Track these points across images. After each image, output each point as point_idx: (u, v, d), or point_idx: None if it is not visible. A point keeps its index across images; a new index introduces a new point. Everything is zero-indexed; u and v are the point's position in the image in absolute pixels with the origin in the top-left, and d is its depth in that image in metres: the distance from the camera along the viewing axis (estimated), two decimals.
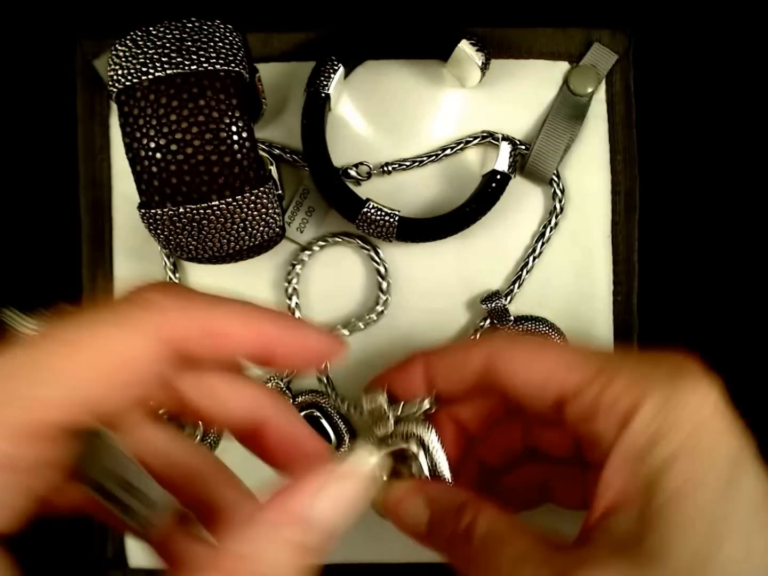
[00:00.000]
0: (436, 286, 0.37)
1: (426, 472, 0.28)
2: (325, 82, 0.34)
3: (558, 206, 0.36)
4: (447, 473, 0.28)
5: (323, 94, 0.34)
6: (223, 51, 0.28)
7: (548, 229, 0.37)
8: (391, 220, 0.34)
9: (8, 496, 0.17)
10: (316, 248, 0.37)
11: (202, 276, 0.37)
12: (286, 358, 0.23)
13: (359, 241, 0.37)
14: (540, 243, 0.37)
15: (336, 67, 0.34)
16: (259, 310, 0.22)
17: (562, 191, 0.37)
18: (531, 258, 0.36)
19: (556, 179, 0.36)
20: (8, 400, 0.18)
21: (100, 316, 0.20)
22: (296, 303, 0.36)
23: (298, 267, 0.36)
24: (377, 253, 0.36)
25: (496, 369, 0.27)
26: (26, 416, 0.18)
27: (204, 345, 0.21)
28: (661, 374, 0.24)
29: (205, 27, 0.28)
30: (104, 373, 0.19)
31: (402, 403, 0.29)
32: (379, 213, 0.34)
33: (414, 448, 0.28)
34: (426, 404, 0.29)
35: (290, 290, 0.36)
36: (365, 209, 0.34)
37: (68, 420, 0.18)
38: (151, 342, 0.20)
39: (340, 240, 0.37)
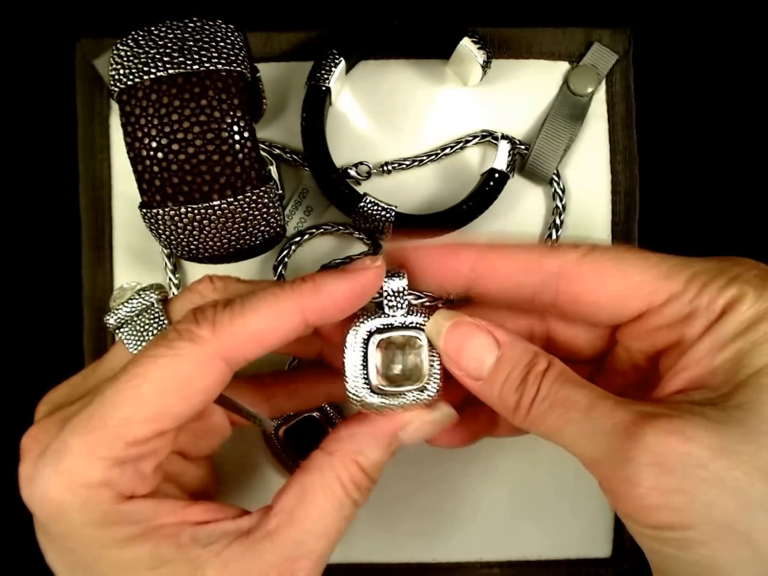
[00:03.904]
0: None
1: (425, 365, 0.28)
2: (326, 76, 0.34)
3: (560, 205, 0.37)
4: (439, 376, 0.28)
5: (324, 87, 0.34)
6: (225, 51, 0.28)
7: (555, 230, 0.37)
8: (387, 215, 0.34)
9: (140, 470, 0.26)
10: (306, 236, 0.37)
11: (202, 275, 0.37)
12: (322, 320, 0.27)
13: (351, 229, 0.37)
14: (549, 243, 0.37)
15: (337, 61, 0.34)
16: (281, 299, 0.26)
17: (563, 190, 0.37)
18: None
19: (556, 178, 0.36)
20: (113, 424, 0.25)
21: (160, 350, 0.25)
22: None
23: (285, 254, 0.36)
24: (373, 239, 0.36)
25: (561, 287, 0.27)
26: (122, 431, 0.25)
27: (247, 351, 0.26)
28: (750, 274, 0.25)
29: (207, 27, 0.28)
30: (168, 393, 0.25)
31: (424, 295, 0.28)
32: (375, 208, 0.34)
33: (422, 339, 0.28)
34: (440, 303, 0.28)
35: (276, 276, 0.36)
36: (362, 204, 0.34)
37: (154, 428, 0.25)
38: (198, 365, 0.25)
39: (330, 228, 0.37)
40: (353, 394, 0.27)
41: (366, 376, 0.27)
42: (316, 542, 0.26)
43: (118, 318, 0.30)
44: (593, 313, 0.27)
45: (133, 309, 0.30)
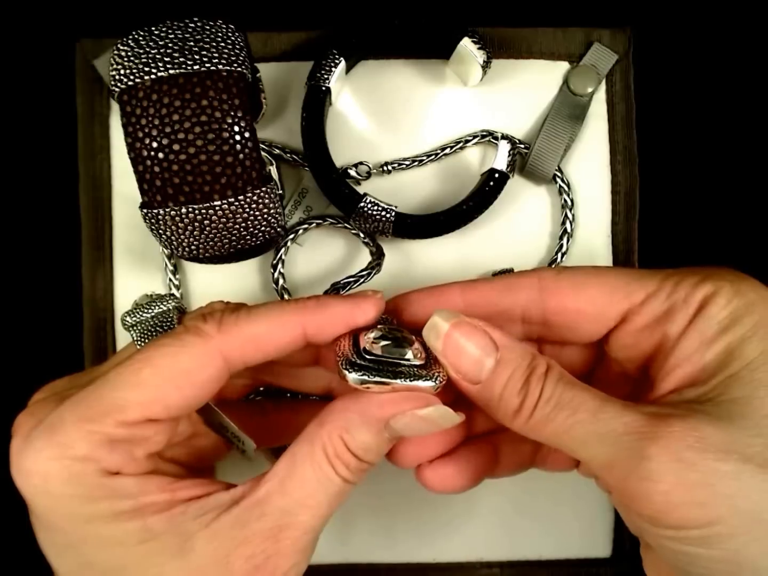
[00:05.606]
0: (434, 283, 0.37)
1: (420, 346, 0.27)
2: (326, 76, 0.34)
3: (568, 200, 0.36)
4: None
5: (324, 88, 0.34)
6: (226, 51, 0.28)
7: (568, 224, 0.37)
8: (388, 215, 0.34)
9: (130, 453, 0.26)
10: (300, 231, 0.36)
11: (202, 275, 0.37)
12: (320, 336, 0.27)
13: (343, 222, 0.37)
14: (566, 239, 0.37)
15: (337, 61, 0.34)
16: (286, 310, 0.27)
17: (568, 185, 0.37)
18: (560, 255, 0.37)
19: (559, 174, 0.36)
20: (107, 402, 0.25)
21: (165, 341, 0.26)
22: (283, 287, 0.36)
23: (282, 252, 0.36)
24: (373, 240, 0.36)
25: (546, 300, 0.28)
26: (118, 412, 0.25)
27: (246, 354, 0.27)
28: (723, 273, 0.26)
29: (208, 27, 0.28)
30: (166, 380, 0.25)
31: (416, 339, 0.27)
32: (375, 208, 0.34)
33: (423, 346, 0.27)
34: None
35: (276, 275, 0.36)
36: (362, 204, 0.34)
37: (145, 413, 0.25)
38: (199, 358, 0.26)
39: (323, 222, 0.37)
40: (343, 363, 0.25)
41: (356, 349, 0.26)
42: (302, 513, 0.25)
43: (135, 317, 0.31)
44: (581, 324, 0.28)
45: (150, 310, 0.31)
